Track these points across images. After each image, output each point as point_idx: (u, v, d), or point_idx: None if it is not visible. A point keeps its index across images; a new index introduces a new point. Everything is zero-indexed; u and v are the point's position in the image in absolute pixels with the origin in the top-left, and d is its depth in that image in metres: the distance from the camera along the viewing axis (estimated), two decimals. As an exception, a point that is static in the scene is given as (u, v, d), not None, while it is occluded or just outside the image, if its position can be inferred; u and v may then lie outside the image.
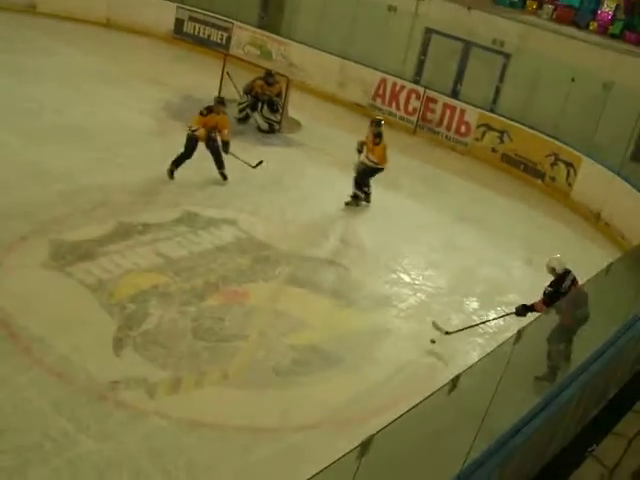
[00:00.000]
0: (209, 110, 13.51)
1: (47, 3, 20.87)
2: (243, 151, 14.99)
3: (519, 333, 6.41)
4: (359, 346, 9.90)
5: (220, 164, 13.78)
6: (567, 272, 9.63)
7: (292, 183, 14.38)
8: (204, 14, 21.71)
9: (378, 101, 19.18)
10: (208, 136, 13.45)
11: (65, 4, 20.82)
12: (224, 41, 21.40)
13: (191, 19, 21.92)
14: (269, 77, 16.68)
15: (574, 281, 9.59)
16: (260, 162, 14.23)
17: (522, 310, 9.83)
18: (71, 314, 9.27)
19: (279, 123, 16.79)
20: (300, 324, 10.02)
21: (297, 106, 17.40)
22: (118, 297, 9.72)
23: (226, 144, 13.75)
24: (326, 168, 15.39)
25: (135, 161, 13.73)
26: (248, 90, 16.72)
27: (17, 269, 9.94)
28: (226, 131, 13.69)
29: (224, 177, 13.82)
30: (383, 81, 19.05)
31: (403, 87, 18.81)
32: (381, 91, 19.13)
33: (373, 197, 14.14)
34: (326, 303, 10.68)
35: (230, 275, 10.78)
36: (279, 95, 16.75)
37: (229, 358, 9.09)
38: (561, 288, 9.51)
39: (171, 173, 13.44)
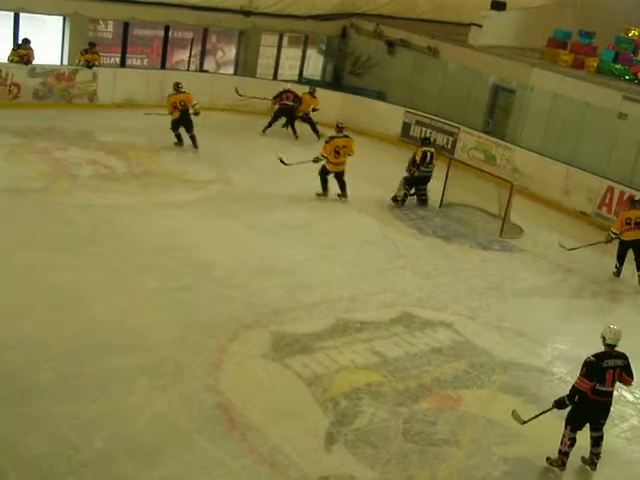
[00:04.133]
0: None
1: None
2: (466, 256, 15.14)
3: None
4: (575, 465, 9.43)
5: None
6: (611, 348, 9.01)
7: (511, 289, 14.17)
8: (431, 119, 22.25)
9: (604, 210, 18.61)
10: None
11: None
12: (449, 145, 21.73)
13: (418, 123, 22.51)
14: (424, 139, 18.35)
15: (616, 368, 8.93)
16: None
17: (562, 403, 9.19)
18: (286, 405, 9.54)
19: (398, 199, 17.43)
20: (513, 435, 9.71)
21: (519, 212, 17.26)
22: (332, 392, 9.89)
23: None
24: (546, 276, 15.08)
25: (357, 259, 14.13)
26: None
27: (239, 357, 10.41)
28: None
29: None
30: (610, 189, 18.48)
31: (632, 196, 18.13)
32: (607, 200, 18.56)
33: (595, 307, 13.81)
34: (542, 416, 10.31)
35: (444, 379, 10.70)
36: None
37: (439, 463, 8.95)
38: (601, 363, 8.92)
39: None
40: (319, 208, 16.32)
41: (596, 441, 9.25)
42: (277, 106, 21.32)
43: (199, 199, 15.69)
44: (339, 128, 17.52)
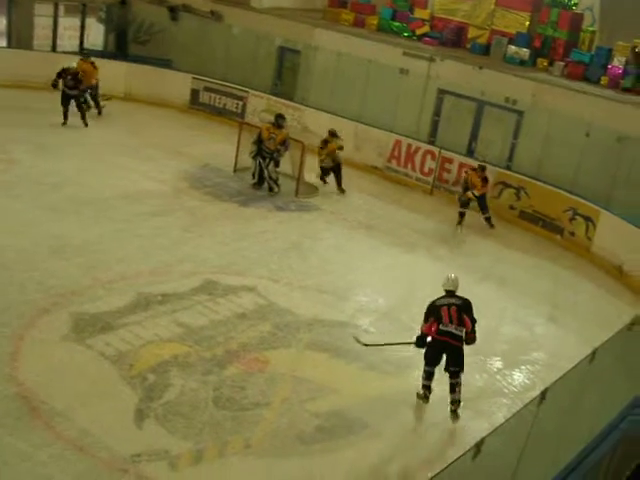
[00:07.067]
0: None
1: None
2: (264, 219, 15.21)
3: (543, 394, 6.31)
4: (383, 411, 9.78)
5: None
6: (448, 294, 9.93)
7: (310, 248, 14.40)
8: (219, 84, 22.07)
9: (394, 163, 19.24)
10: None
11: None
12: (239, 109, 21.68)
13: (206, 89, 22.26)
14: (279, 119, 17.11)
15: (451, 306, 9.76)
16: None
17: (419, 341, 10.02)
18: (92, 387, 9.26)
19: (278, 185, 17.01)
20: (323, 390, 9.92)
21: (313, 171, 17.50)
22: (139, 368, 9.70)
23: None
24: (344, 232, 15.42)
25: (154, 232, 13.84)
26: (256, 137, 16.98)
27: (38, 343, 9.98)
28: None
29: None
30: (398, 143, 19.14)
31: (418, 148, 18.89)
32: (396, 153, 19.20)
33: (394, 259, 14.40)
34: (348, 368, 10.59)
35: (251, 342, 10.73)
36: (284, 143, 16.88)
37: (252, 427, 9.00)
38: (435, 302, 9.88)
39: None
40: (109, 181, 15.81)
41: (451, 387, 9.86)
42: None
43: (-20, 182, 14.81)
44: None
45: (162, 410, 8.98)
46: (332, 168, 17.58)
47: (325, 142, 17.52)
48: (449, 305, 9.78)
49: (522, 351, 11.97)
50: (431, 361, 9.97)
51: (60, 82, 18.86)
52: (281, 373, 10.13)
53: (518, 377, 11.16)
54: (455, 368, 9.82)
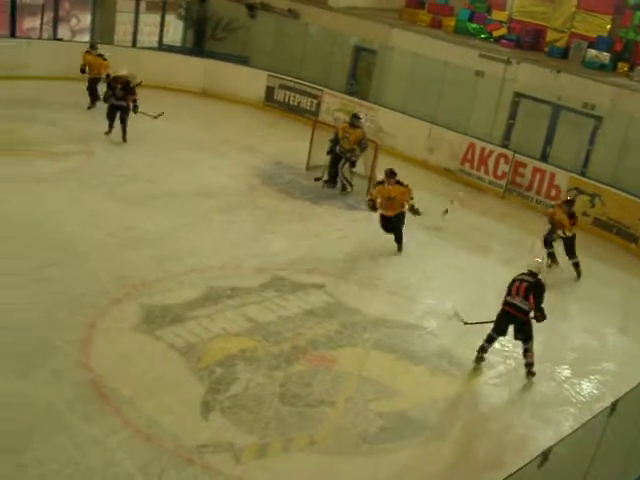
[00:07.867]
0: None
1: (146, 74, 21.60)
2: (335, 218, 15.22)
3: (614, 405, 6.20)
4: (447, 413, 9.73)
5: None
6: (529, 273, 10.65)
7: (380, 247, 14.35)
8: (294, 82, 22.19)
9: (467, 166, 19.10)
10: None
11: (163, 75, 21.49)
12: (314, 108, 21.76)
13: (281, 87, 22.40)
14: (354, 119, 16.91)
15: (522, 282, 10.54)
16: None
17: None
18: (160, 377, 9.42)
19: (351, 185, 16.97)
20: (388, 390, 9.91)
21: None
22: (206, 361, 9.82)
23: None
24: (414, 233, 15.29)
25: (226, 226, 14.01)
26: (334, 136, 16.90)
27: (110, 332, 10.18)
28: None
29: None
30: (472, 146, 18.99)
31: (492, 151, 18.70)
32: (470, 156, 19.06)
33: (463, 262, 14.37)
34: (414, 369, 10.55)
35: (318, 340, 10.78)
36: (360, 143, 16.75)
37: (316, 424, 9.04)
38: (516, 276, 10.76)
39: None
40: (183, 175, 16.05)
41: (523, 352, 10.74)
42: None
43: (60, 171, 15.11)
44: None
45: (228, 403, 9.09)
46: (392, 220, 14.37)
47: (380, 183, 14.53)
48: (521, 280, 10.55)
49: (591, 360, 11.76)
50: (497, 329, 10.77)
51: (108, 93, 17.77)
52: (347, 372, 10.14)
53: (587, 387, 10.98)
54: (520, 336, 10.66)
